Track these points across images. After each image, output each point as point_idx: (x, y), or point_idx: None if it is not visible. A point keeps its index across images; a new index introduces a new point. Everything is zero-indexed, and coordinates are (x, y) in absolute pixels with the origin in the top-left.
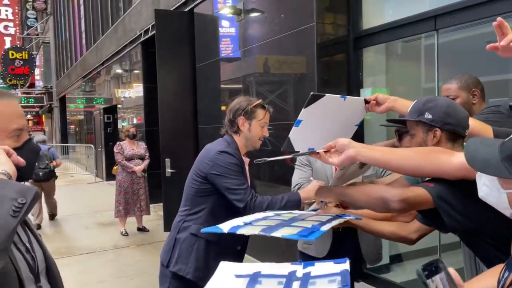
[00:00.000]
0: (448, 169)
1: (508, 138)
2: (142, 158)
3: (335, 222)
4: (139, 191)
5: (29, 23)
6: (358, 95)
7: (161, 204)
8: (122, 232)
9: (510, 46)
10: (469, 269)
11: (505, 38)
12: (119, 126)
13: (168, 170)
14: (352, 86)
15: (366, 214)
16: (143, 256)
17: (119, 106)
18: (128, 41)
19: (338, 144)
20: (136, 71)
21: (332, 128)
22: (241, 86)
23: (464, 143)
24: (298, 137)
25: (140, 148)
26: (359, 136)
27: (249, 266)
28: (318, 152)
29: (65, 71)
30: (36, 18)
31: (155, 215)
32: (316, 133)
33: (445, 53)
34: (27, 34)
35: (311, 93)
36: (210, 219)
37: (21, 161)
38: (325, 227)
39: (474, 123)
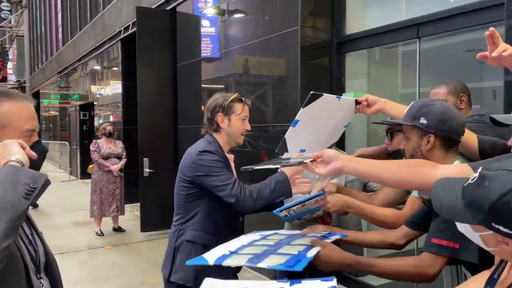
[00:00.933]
0: (431, 182)
1: (468, 182)
2: (119, 157)
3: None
4: (115, 191)
5: (2, 16)
6: None
7: (138, 204)
8: (97, 232)
9: (501, 57)
10: (449, 274)
11: (497, 49)
12: (96, 123)
13: (146, 170)
14: (334, 90)
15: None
16: (119, 257)
17: (96, 103)
18: (107, 38)
19: (325, 155)
20: (114, 68)
21: (324, 129)
22: (222, 86)
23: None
24: (293, 138)
25: (117, 147)
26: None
27: (235, 283)
28: (305, 163)
29: (40, 65)
30: (10, 11)
31: (131, 215)
32: (310, 134)
33: (427, 59)
34: (0, 27)
35: (311, 92)
36: (206, 223)
37: (33, 154)
38: (311, 253)
39: None
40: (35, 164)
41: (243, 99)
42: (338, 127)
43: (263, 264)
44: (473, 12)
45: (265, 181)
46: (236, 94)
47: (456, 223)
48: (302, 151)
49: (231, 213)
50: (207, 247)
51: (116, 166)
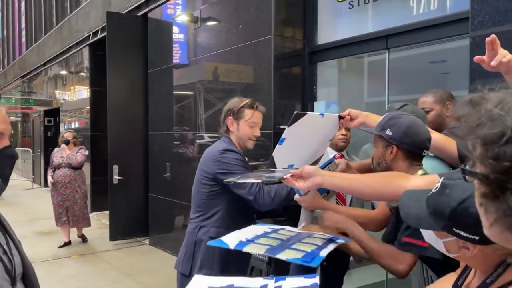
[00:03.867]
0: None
1: (431, 192)
2: (72, 167)
3: (331, 247)
4: (64, 202)
5: None
6: (312, 107)
7: (106, 212)
8: (60, 243)
9: (502, 62)
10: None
11: (496, 58)
12: (62, 130)
13: (116, 177)
14: (306, 98)
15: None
16: (87, 267)
17: (61, 109)
18: (75, 42)
19: (305, 171)
20: (82, 74)
21: (311, 144)
22: (194, 93)
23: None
24: (280, 155)
25: (77, 156)
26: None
27: (222, 279)
28: (285, 178)
29: (1, 70)
30: None
31: (98, 223)
32: (297, 150)
33: (396, 69)
34: None
35: (295, 112)
36: (227, 220)
37: None
38: (324, 253)
39: (439, 137)
40: (3, 168)
41: (256, 105)
42: (323, 141)
43: (281, 256)
44: (440, 25)
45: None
46: (248, 100)
47: (421, 230)
48: (290, 166)
49: (248, 211)
50: None
51: (49, 177)
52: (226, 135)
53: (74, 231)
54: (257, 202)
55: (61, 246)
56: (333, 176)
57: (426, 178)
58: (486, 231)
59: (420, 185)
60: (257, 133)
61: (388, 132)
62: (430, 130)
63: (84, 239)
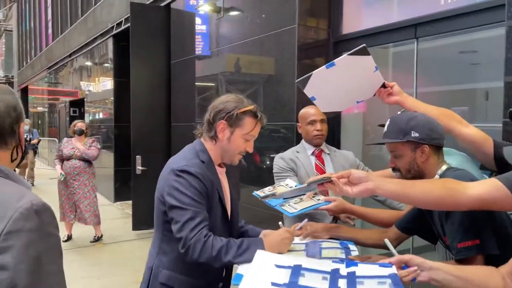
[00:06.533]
0: (466, 201)
1: None
2: (83, 159)
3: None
4: (73, 196)
5: None
6: None
7: (129, 201)
8: (64, 237)
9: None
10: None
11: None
12: (86, 120)
13: (139, 168)
14: None
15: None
16: (110, 256)
17: (86, 100)
18: (99, 33)
19: (354, 176)
20: (106, 65)
21: (340, 90)
22: (216, 84)
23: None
24: (317, 81)
25: (92, 150)
26: (335, 133)
27: (288, 258)
28: (331, 181)
29: (28, 61)
30: None
31: (122, 213)
32: (329, 90)
33: (424, 60)
34: None
35: (363, 44)
36: (181, 264)
37: None
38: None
39: (475, 132)
40: None
41: (259, 114)
42: (352, 96)
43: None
44: (472, 13)
45: (237, 241)
46: (253, 106)
47: None
48: (312, 98)
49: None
50: None
51: (58, 168)
52: (205, 140)
53: (76, 226)
54: (187, 253)
55: (65, 241)
56: (386, 181)
57: (486, 182)
58: None
59: (481, 190)
60: (250, 149)
61: (414, 134)
62: (467, 123)
63: (100, 237)
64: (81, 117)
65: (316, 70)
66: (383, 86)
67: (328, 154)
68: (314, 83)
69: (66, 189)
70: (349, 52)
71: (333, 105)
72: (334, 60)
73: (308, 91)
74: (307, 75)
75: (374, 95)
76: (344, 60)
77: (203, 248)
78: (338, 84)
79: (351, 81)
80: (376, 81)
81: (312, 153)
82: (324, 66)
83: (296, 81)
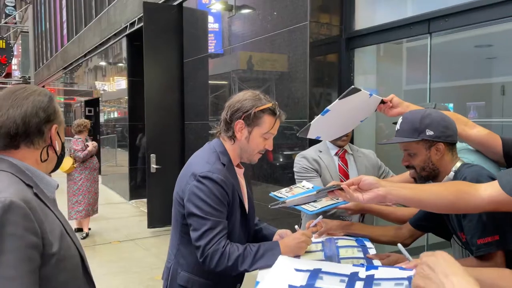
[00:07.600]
0: (480, 203)
1: None
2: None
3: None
4: (80, 189)
5: (7, 12)
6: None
7: (144, 199)
8: (83, 235)
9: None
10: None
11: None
12: (101, 119)
13: (153, 166)
14: (343, 86)
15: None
16: (126, 253)
17: (101, 99)
18: (113, 34)
19: (364, 182)
20: (120, 64)
21: (344, 120)
22: (228, 83)
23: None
24: (317, 125)
25: (82, 152)
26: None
27: (309, 262)
28: (341, 188)
29: (44, 61)
30: (14, 7)
31: (137, 211)
32: (331, 125)
33: (438, 55)
34: (5, 23)
35: (352, 86)
36: (199, 266)
37: None
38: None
39: (483, 132)
40: None
41: (278, 112)
42: (356, 120)
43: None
44: (487, 6)
45: (253, 247)
46: (271, 103)
47: None
48: (318, 137)
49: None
50: None
51: (94, 144)
52: (224, 140)
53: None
54: (205, 263)
55: (84, 238)
56: (398, 186)
57: (495, 183)
58: None
59: (493, 192)
60: (270, 147)
61: (429, 133)
62: (473, 124)
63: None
64: (97, 116)
65: (313, 120)
66: (382, 102)
67: (352, 154)
68: (314, 128)
69: (94, 184)
70: (340, 97)
71: (338, 132)
72: (328, 107)
73: (311, 135)
74: (306, 126)
75: (376, 110)
76: (337, 104)
77: (220, 258)
78: (337, 119)
79: (350, 112)
80: (375, 101)
81: (336, 154)
82: (319, 115)
83: (298, 133)
